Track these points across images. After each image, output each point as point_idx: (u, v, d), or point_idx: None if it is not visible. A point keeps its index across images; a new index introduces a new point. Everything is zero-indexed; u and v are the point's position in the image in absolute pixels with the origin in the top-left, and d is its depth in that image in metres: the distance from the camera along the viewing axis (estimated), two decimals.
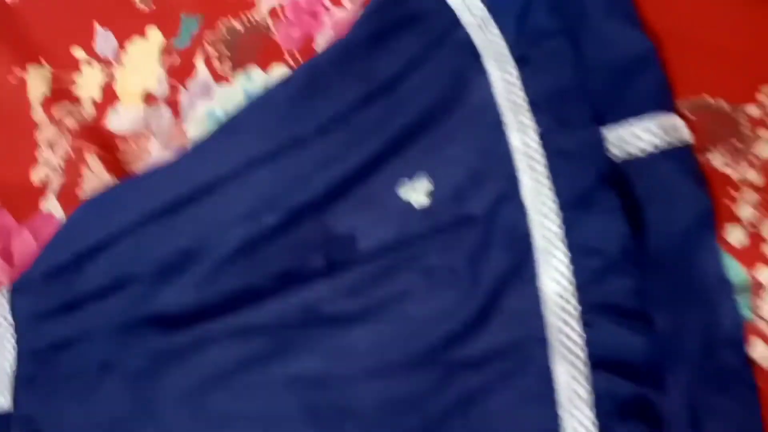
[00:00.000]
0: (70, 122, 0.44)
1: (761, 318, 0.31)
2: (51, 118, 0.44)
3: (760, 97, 0.34)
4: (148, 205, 0.37)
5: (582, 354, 0.31)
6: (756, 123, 0.34)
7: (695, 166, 0.34)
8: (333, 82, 0.38)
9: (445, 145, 0.36)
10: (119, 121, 0.44)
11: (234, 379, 0.35)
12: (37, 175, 0.43)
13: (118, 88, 0.44)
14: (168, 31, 0.44)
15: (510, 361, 0.33)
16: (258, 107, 0.40)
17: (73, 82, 0.45)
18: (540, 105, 0.35)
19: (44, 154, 0.43)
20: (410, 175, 0.36)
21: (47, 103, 0.44)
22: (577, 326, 0.31)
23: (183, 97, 0.42)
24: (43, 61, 0.45)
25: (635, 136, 0.34)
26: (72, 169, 0.43)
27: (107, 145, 0.42)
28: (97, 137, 0.43)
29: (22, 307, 0.37)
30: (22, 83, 0.45)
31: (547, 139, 0.34)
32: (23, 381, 0.36)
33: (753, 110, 0.34)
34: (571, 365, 0.31)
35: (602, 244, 0.31)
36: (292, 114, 0.38)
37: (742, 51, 0.35)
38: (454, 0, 0.38)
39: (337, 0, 0.42)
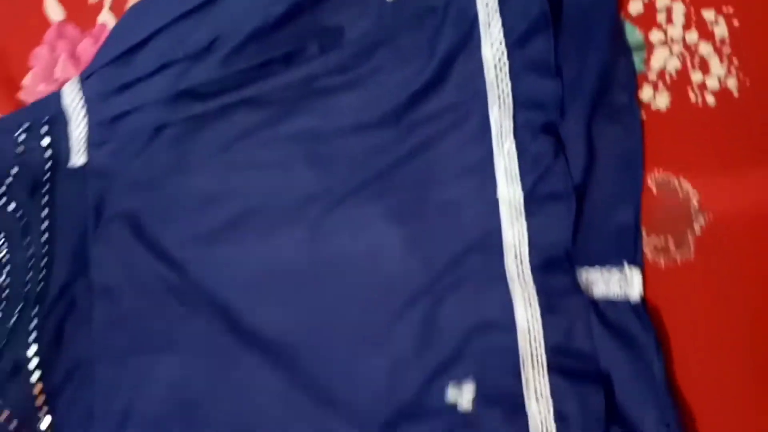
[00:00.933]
0: None
1: (650, 69, 0.41)
2: None
3: None
4: (181, 7, 0.48)
5: (509, 99, 0.41)
6: None
7: None
8: None
9: None
10: None
11: (252, 136, 0.46)
12: None
13: None
14: None
15: (458, 113, 0.44)
16: None
17: None
18: None
19: None
20: None
21: None
22: (506, 79, 0.41)
23: None
24: None
25: None
26: None
27: None
28: None
29: (90, 90, 0.49)
30: None
31: None
32: (94, 144, 0.49)
33: None
34: (501, 107, 0.41)
35: (526, 10, 0.40)
36: None
37: None
38: None
39: None
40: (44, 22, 0.53)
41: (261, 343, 0.44)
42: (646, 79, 0.42)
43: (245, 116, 0.46)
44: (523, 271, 0.42)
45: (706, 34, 0.42)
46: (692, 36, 0.43)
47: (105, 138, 0.49)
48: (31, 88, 0.53)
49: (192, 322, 0.45)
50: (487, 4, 0.43)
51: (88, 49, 0.53)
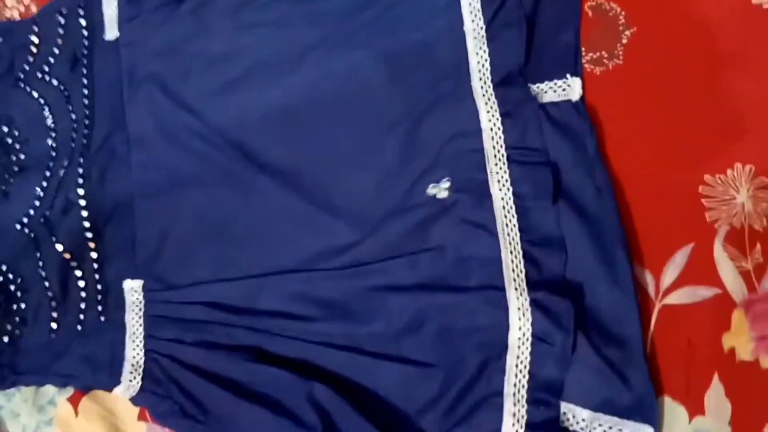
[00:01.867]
0: None
1: None
2: None
3: None
4: None
5: None
6: None
7: None
8: None
9: None
10: None
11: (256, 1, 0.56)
12: None
13: None
14: None
15: None
16: None
17: None
18: None
19: None
20: None
21: None
22: None
23: None
24: None
25: None
26: None
27: None
28: None
29: None
30: None
31: None
32: (125, 20, 0.58)
33: None
34: None
35: None
36: None
37: None
38: None
39: None
40: None
41: (272, 171, 0.54)
42: None
43: None
44: (486, 89, 0.51)
45: None
46: None
47: (134, 13, 0.58)
48: None
49: (214, 160, 0.55)
50: None
51: None
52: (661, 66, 0.48)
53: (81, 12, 0.60)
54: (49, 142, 0.60)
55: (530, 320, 0.46)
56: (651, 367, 0.44)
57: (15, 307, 0.57)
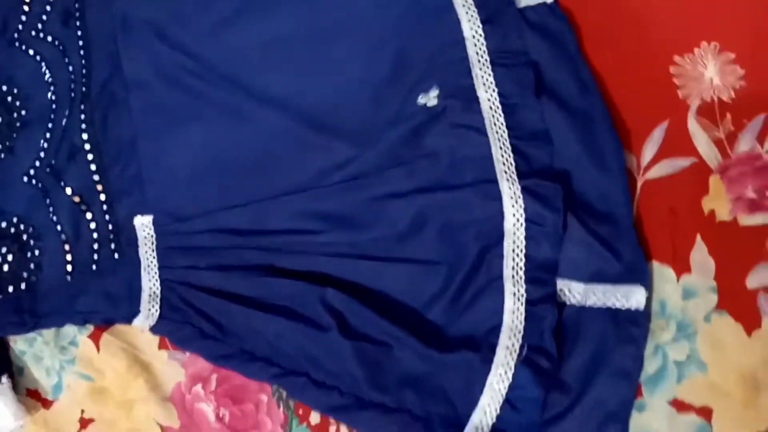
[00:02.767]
0: None
1: None
2: None
3: None
4: None
5: None
6: None
7: None
8: None
9: None
10: None
11: None
12: None
13: None
14: None
15: None
16: None
17: None
18: None
19: None
20: None
21: None
22: None
23: None
24: None
25: None
26: None
27: None
28: None
29: None
30: None
31: None
32: None
33: None
34: None
35: None
36: None
37: None
38: None
39: None
40: None
41: (270, 100, 0.56)
42: None
43: None
44: (468, 5, 0.54)
45: None
46: None
47: None
48: None
49: (213, 95, 0.58)
50: None
51: None
52: None
53: None
54: (50, 95, 0.62)
55: (522, 206, 0.49)
56: (639, 236, 0.47)
57: (30, 255, 0.60)
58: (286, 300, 0.54)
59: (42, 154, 0.61)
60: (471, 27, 0.54)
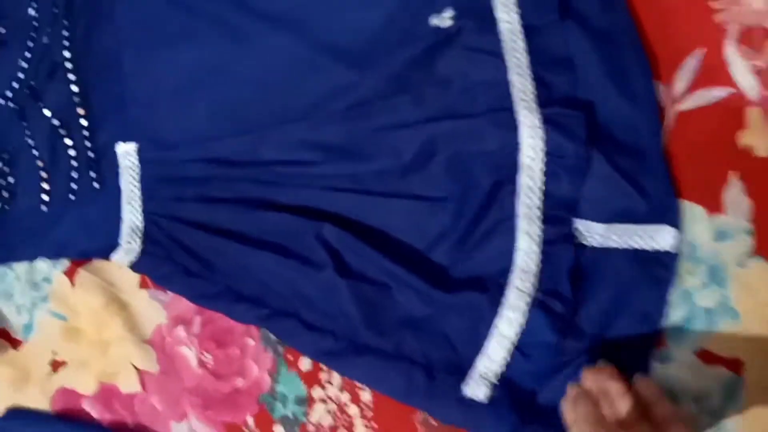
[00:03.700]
0: None
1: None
2: None
3: None
4: None
5: None
6: None
7: None
8: None
9: None
10: None
11: None
12: None
13: None
14: None
15: None
16: None
17: None
18: None
19: None
20: None
21: None
22: None
23: None
24: None
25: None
26: None
27: None
28: None
29: None
30: None
31: None
32: None
33: None
34: None
35: None
36: None
37: None
38: None
39: None
40: None
41: (267, 16, 0.52)
42: None
43: None
44: None
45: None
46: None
47: None
48: None
49: (204, 9, 0.53)
50: None
51: None
52: None
53: None
54: (30, 11, 0.58)
55: (542, 136, 0.45)
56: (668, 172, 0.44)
57: (3, 182, 0.56)
58: (279, 236, 0.50)
59: (21, 75, 0.56)
60: None
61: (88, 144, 0.55)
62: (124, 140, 0.53)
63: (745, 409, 0.42)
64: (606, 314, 0.44)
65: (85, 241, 0.54)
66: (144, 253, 0.52)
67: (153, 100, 0.53)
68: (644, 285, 0.45)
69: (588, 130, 0.45)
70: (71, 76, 0.55)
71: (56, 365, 0.56)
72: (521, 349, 0.44)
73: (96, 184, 0.54)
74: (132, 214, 0.53)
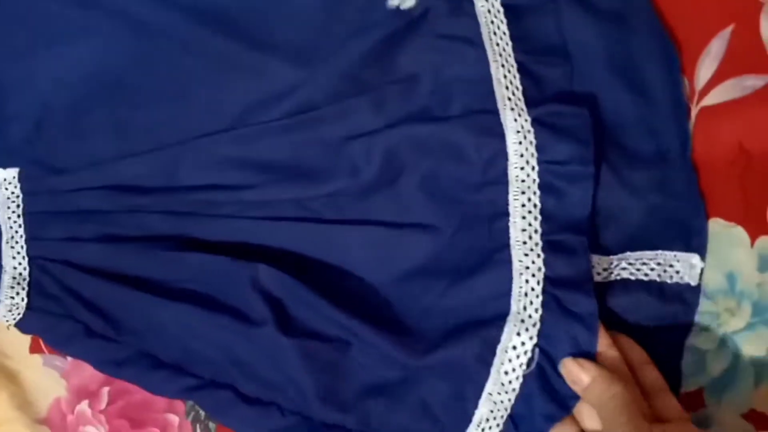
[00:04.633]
0: None
1: None
2: None
3: None
4: None
5: None
6: None
7: None
8: None
9: None
10: None
11: None
12: None
13: None
14: None
15: None
16: None
17: None
18: None
19: None
20: None
21: None
22: None
23: None
24: None
25: None
26: None
27: None
28: None
29: None
30: None
31: None
32: None
33: None
34: None
35: None
36: None
37: None
38: None
39: None
40: None
41: (182, 6, 0.41)
42: None
43: None
44: None
45: None
46: None
47: None
48: None
49: (105, 1, 0.42)
50: None
51: None
52: None
53: None
54: None
55: (534, 142, 0.36)
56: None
57: None
58: (204, 283, 0.40)
59: None
60: None
61: None
62: (3, 166, 0.42)
63: None
64: None
65: None
66: (32, 308, 0.41)
67: (41, 116, 0.42)
68: (659, 326, 0.36)
69: (594, 130, 0.36)
70: None
71: None
72: (515, 420, 0.35)
73: None
74: (14, 260, 0.42)
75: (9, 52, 0.43)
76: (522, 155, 0.36)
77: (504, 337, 0.35)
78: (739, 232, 0.34)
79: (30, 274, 0.41)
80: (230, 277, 0.39)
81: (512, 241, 0.36)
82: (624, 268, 0.37)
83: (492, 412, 0.36)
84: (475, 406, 0.36)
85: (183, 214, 0.40)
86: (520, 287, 0.35)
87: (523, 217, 0.36)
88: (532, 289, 0.35)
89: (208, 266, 0.39)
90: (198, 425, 0.42)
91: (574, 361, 0.34)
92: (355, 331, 0.36)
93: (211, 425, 0.42)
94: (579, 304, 0.34)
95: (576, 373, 0.33)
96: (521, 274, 0.35)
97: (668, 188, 0.37)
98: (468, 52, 0.38)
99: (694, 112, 0.36)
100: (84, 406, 0.43)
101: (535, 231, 0.36)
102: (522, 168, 0.36)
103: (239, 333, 0.38)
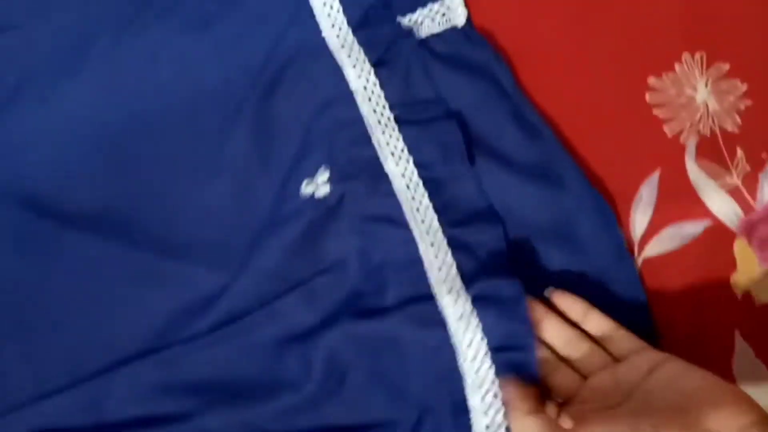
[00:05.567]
0: None
1: None
2: None
3: None
4: None
5: None
6: None
7: None
8: None
9: None
10: None
11: None
12: None
13: None
14: None
15: None
16: None
17: None
18: None
19: None
20: None
21: None
22: None
23: None
24: None
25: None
26: None
27: None
28: None
29: None
30: None
31: None
32: None
33: None
34: None
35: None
36: None
37: None
38: None
39: None
40: None
41: (82, 220, 0.38)
42: None
43: None
44: (344, 36, 0.38)
45: None
46: None
47: None
48: None
49: None
50: None
51: None
52: None
53: None
54: None
55: (479, 326, 0.34)
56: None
57: None
58: None
59: None
60: (359, 74, 0.38)
61: None
62: None
63: None
64: None
65: None
66: None
67: None
68: None
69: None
70: None
71: None
72: None
73: None
74: None
75: None
76: (470, 345, 0.34)
77: None
78: None
79: None
80: None
81: None
82: None
83: None
84: None
85: None
86: None
87: (486, 413, 0.34)
88: None
89: None
90: None
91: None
92: None
93: None
94: None
95: None
96: None
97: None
98: (393, 234, 0.36)
99: (638, 262, 0.35)
100: None
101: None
102: (473, 359, 0.34)
103: None
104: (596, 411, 0.30)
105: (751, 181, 0.34)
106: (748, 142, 0.34)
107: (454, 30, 0.38)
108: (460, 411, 0.34)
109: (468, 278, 0.35)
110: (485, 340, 0.34)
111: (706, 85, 0.34)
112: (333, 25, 0.38)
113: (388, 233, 0.36)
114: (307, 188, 0.37)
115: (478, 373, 0.34)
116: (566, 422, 0.30)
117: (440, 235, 0.36)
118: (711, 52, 0.35)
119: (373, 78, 0.38)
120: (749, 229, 0.34)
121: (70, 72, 0.40)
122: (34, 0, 0.40)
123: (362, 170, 0.37)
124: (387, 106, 0.37)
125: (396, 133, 0.37)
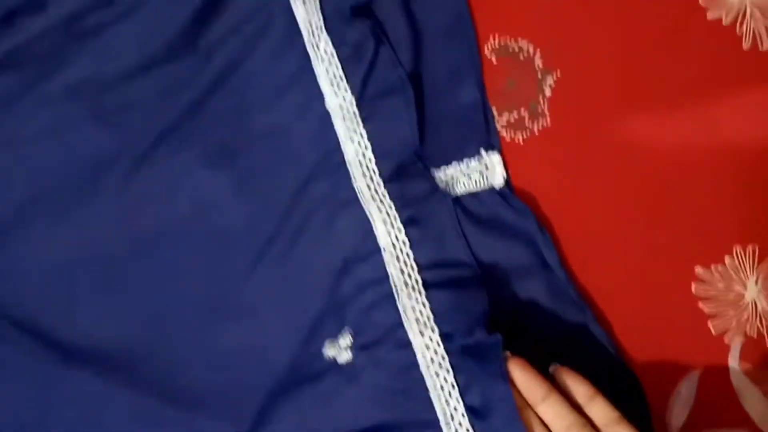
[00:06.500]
0: None
1: None
2: None
3: None
4: None
5: None
6: None
7: None
8: None
9: None
10: None
11: (15, 104, 0.37)
12: None
13: None
14: None
15: (259, 20, 0.38)
16: None
17: None
18: None
19: None
20: None
21: None
22: None
23: None
24: None
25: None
26: None
27: None
28: None
29: None
30: None
31: None
32: None
33: None
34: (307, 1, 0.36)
35: None
36: None
37: None
38: None
39: None
40: None
41: (84, 356, 0.36)
42: None
43: None
44: (375, 187, 0.36)
45: None
46: None
47: None
48: None
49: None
50: None
51: None
52: (600, 119, 0.35)
53: None
54: None
55: None
56: None
57: None
58: None
59: None
60: (389, 230, 0.36)
61: None
62: None
63: None
64: None
65: None
66: None
67: None
68: None
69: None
70: None
71: None
72: None
73: None
74: None
75: None
76: None
77: None
78: None
79: None
80: None
81: None
82: None
83: None
84: None
85: None
86: None
87: None
88: None
89: None
90: None
91: None
92: None
93: None
94: None
95: None
96: None
97: None
98: (416, 408, 0.34)
99: None
100: None
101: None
102: None
103: None
104: None
105: None
106: None
107: (492, 192, 0.37)
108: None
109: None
110: None
111: (756, 283, 0.33)
112: (365, 174, 0.37)
113: (410, 407, 0.34)
114: (329, 351, 0.35)
115: None
116: None
117: (466, 421, 0.34)
118: (763, 246, 0.33)
119: (403, 236, 0.36)
120: None
121: (82, 198, 0.38)
122: (54, 119, 0.38)
123: (386, 338, 0.35)
124: (416, 268, 0.35)
125: (423, 298, 0.35)
